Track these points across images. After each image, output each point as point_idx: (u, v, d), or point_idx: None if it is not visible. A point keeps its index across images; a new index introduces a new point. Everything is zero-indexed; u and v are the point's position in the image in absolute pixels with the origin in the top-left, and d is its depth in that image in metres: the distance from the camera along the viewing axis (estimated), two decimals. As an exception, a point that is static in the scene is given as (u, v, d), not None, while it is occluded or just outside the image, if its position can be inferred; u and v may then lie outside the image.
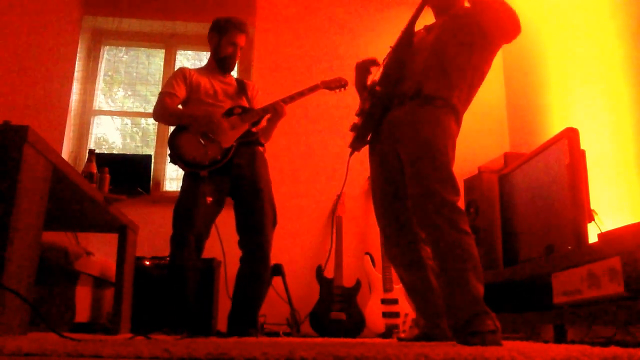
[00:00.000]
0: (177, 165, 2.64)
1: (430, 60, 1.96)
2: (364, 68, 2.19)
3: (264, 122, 2.82)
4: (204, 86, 2.72)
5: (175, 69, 4.22)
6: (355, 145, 2.15)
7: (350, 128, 2.15)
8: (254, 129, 2.72)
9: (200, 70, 2.83)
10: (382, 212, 2.06)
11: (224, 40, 2.75)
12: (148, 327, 2.48)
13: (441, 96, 1.91)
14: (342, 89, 2.89)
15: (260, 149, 2.76)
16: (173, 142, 2.62)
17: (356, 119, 2.15)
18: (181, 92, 2.68)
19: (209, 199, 2.54)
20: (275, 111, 2.71)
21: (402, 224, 2.00)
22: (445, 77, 1.93)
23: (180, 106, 2.73)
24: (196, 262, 2.55)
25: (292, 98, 2.75)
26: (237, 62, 2.81)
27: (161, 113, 2.67)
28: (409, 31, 2.03)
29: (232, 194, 2.67)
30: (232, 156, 2.61)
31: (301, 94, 2.77)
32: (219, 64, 2.79)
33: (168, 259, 2.59)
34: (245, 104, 2.78)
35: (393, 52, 2.03)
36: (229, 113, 2.68)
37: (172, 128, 2.71)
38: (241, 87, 2.83)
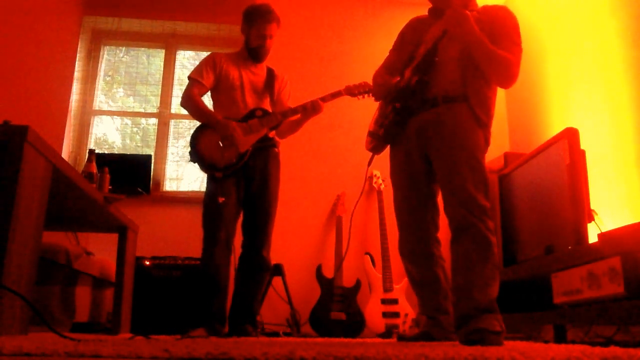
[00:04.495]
0: (195, 164, 2.64)
1: (460, 73, 1.97)
2: (386, 91, 2.17)
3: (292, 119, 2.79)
4: (232, 76, 2.71)
5: (175, 68, 4.32)
6: (377, 151, 2.20)
7: (369, 134, 2.19)
8: (270, 134, 2.71)
9: (232, 56, 2.80)
10: (401, 207, 2.10)
11: (253, 31, 2.71)
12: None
13: (474, 109, 1.94)
14: (367, 95, 2.69)
15: (276, 150, 2.75)
16: (194, 141, 2.62)
17: (369, 121, 2.21)
18: (209, 80, 2.69)
19: (221, 199, 2.55)
20: (313, 109, 2.66)
21: (419, 220, 2.05)
22: (478, 90, 1.96)
23: (209, 92, 2.75)
24: (228, 261, 2.57)
25: (304, 107, 2.67)
26: (269, 51, 2.76)
27: (187, 103, 2.67)
28: (432, 51, 2.01)
29: (244, 193, 2.69)
30: (247, 159, 2.61)
31: (323, 100, 2.68)
32: (250, 55, 2.77)
33: (200, 259, 2.60)
34: (272, 96, 2.78)
35: (414, 72, 2.02)
36: (250, 115, 2.67)
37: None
38: (270, 78, 2.80)
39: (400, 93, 2.05)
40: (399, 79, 2.12)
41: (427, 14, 2.20)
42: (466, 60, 1.96)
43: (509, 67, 1.91)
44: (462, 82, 1.96)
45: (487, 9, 2.05)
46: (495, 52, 1.89)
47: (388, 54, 2.29)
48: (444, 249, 2.05)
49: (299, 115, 2.73)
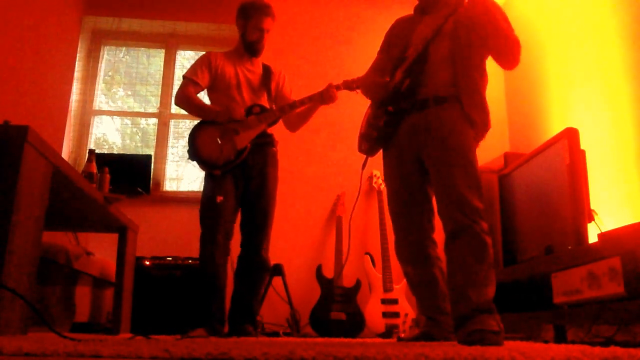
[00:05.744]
0: (194, 162, 2.63)
1: (451, 71, 1.97)
2: (377, 89, 2.16)
3: (297, 111, 2.77)
4: (228, 75, 2.70)
5: (175, 68, 4.32)
6: (370, 153, 2.19)
7: (362, 137, 2.17)
8: (269, 130, 2.71)
9: (228, 54, 2.80)
10: (396, 210, 2.09)
11: (250, 25, 2.70)
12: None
13: (463, 102, 1.94)
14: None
15: (274, 149, 2.75)
16: (192, 139, 2.61)
17: (362, 123, 2.19)
18: (204, 80, 2.68)
19: (220, 198, 2.54)
20: (322, 99, 2.64)
21: (415, 222, 2.04)
22: (469, 89, 1.96)
23: (205, 91, 2.75)
24: (226, 260, 2.57)
25: (310, 99, 2.67)
26: (264, 45, 2.76)
27: (182, 101, 2.67)
28: (423, 54, 2.00)
29: (242, 193, 2.68)
30: (245, 157, 2.61)
31: (337, 88, 2.65)
32: (247, 49, 2.76)
33: (198, 258, 2.59)
34: (269, 93, 2.77)
35: (405, 74, 2.01)
36: (247, 112, 2.66)
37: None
38: (267, 75, 2.80)
39: (392, 96, 2.04)
40: (389, 79, 2.12)
41: (412, 12, 2.20)
42: (457, 59, 1.96)
43: (518, 47, 1.94)
44: (453, 81, 1.96)
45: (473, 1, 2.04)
46: (512, 32, 1.92)
47: (376, 56, 2.28)
48: (439, 250, 2.05)
49: (305, 107, 2.72)
